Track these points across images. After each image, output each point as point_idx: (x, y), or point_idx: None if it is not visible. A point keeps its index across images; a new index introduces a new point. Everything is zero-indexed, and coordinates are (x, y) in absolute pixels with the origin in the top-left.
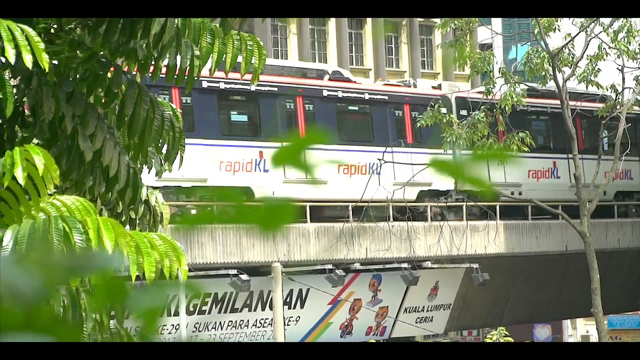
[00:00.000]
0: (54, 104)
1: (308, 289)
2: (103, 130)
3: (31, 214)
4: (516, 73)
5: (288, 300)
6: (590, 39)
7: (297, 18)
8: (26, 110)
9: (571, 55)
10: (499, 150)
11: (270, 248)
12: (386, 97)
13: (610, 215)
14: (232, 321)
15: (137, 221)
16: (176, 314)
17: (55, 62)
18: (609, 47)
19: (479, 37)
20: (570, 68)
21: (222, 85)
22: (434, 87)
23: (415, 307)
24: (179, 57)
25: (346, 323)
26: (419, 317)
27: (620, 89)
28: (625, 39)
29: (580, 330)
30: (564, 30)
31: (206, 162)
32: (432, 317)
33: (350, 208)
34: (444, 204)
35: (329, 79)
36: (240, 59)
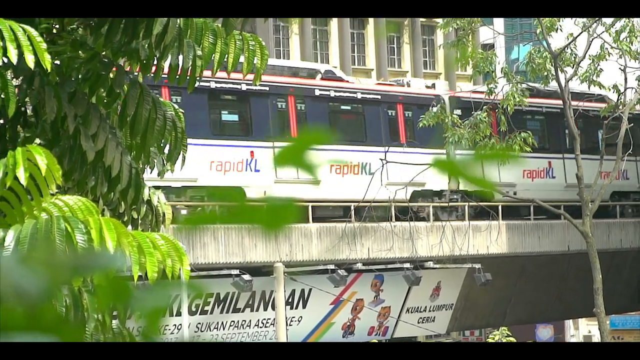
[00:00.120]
0: (56, 104)
1: (310, 289)
2: (105, 130)
3: (33, 214)
4: (518, 73)
5: (290, 300)
6: (592, 39)
7: (299, 18)
8: (28, 111)
9: (573, 55)
10: (501, 150)
11: (273, 248)
12: (379, 97)
13: (606, 215)
14: (234, 321)
15: (140, 221)
16: (178, 314)
17: (58, 62)
18: (611, 47)
19: (481, 37)
20: (572, 68)
21: (213, 85)
22: (427, 87)
23: (418, 307)
24: (181, 57)
25: (348, 323)
26: (421, 318)
27: (622, 89)
28: (628, 39)
29: (582, 330)
30: (566, 30)
31: (196, 162)
32: (434, 318)
33: (352, 208)
34: (446, 204)
35: (322, 78)
36: (242, 59)
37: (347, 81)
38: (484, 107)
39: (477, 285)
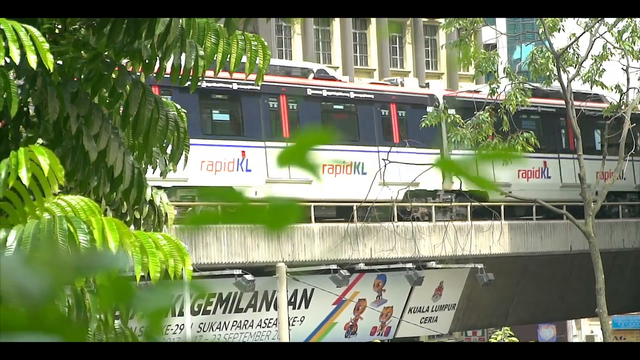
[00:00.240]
0: (59, 104)
1: (313, 289)
2: (107, 130)
3: (36, 214)
4: (520, 73)
5: (293, 300)
6: (594, 39)
7: (301, 18)
8: (31, 111)
9: (576, 55)
10: (504, 150)
11: (275, 248)
12: (372, 96)
13: (602, 215)
14: (236, 321)
15: (142, 221)
16: (181, 314)
17: (60, 62)
18: (614, 47)
19: (484, 37)
20: (574, 68)
21: (204, 84)
22: (421, 86)
23: (420, 307)
24: (183, 57)
25: (351, 323)
26: (423, 317)
27: (624, 89)
28: (630, 39)
29: (584, 330)
30: (569, 30)
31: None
32: (436, 317)
33: (355, 208)
34: (449, 205)
35: (314, 78)
36: (244, 59)
37: (340, 80)
38: (487, 107)
39: (480, 285)
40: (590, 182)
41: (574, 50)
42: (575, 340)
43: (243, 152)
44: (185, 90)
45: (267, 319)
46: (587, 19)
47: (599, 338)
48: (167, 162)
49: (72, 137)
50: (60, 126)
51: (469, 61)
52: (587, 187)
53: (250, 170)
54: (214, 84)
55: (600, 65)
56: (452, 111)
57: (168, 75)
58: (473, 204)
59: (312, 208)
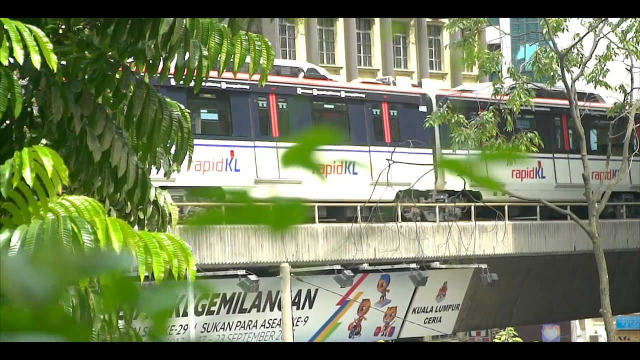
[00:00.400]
0: (63, 105)
1: (316, 290)
2: (111, 130)
3: (39, 214)
4: (524, 73)
5: (296, 300)
6: (599, 39)
7: (305, 18)
8: (34, 111)
9: (580, 55)
10: (508, 150)
11: (279, 248)
12: (363, 95)
13: (600, 215)
14: (240, 322)
15: (146, 221)
16: (185, 314)
17: (64, 62)
18: (618, 47)
19: (487, 37)
20: (578, 68)
21: (192, 83)
22: (414, 86)
23: (424, 308)
24: (187, 57)
25: (355, 323)
26: (427, 318)
27: (629, 89)
28: (634, 39)
29: (588, 330)
30: (573, 30)
31: None
32: (440, 318)
33: (359, 209)
34: (452, 205)
35: (304, 77)
36: (248, 59)
37: (331, 79)
38: (490, 107)
39: (484, 286)
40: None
41: (578, 50)
42: (579, 340)
43: (232, 152)
44: (173, 89)
45: (271, 319)
46: (591, 19)
47: (603, 338)
48: (171, 163)
49: (75, 138)
50: (64, 126)
51: (473, 61)
52: (584, 188)
53: (239, 170)
54: (203, 83)
55: (604, 65)
56: (442, 110)
57: (172, 76)
58: (477, 204)
59: (316, 208)
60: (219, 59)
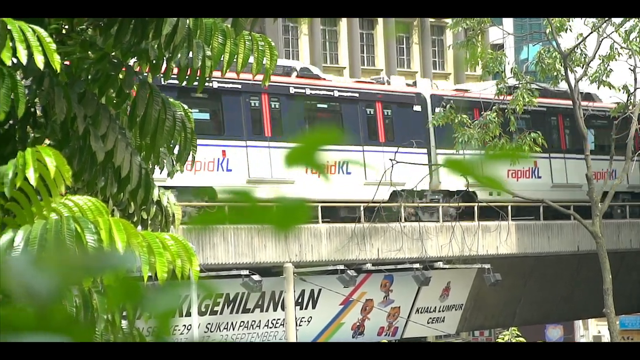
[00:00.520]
0: (66, 105)
1: (320, 290)
2: (115, 130)
3: (43, 214)
4: (528, 73)
5: (300, 300)
6: (602, 39)
7: (308, 18)
8: (38, 111)
9: (583, 55)
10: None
11: (282, 248)
12: (357, 95)
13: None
14: (244, 322)
15: (149, 222)
16: (188, 314)
17: (67, 62)
18: (621, 47)
19: (491, 37)
20: (582, 68)
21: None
22: (408, 85)
23: (427, 308)
24: (190, 57)
25: (358, 323)
26: (430, 318)
27: (632, 89)
28: (637, 38)
29: (592, 330)
30: (576, 30)
31: None
32: (443, 318)
33: (362, 209)
34: (456, 205)
35: (297, 76)
36: (251, 59)
37: (324, 79)
38: (494, 107)
39: (487, 286)
40: (581, 182)
41: (581, 50)
42: (583, 340)
43: (224, 151)
44: (163, 88)
45: (274, 320)
46: (594, 19)
47: (606, 338)
48: (175, 163)
49: (79, 138)
50: (68, 126)
51: (476, 61)
52: (587, 188)
53: (230, 170)
54: (194, 83)
55: (608, 65)
56: (438, 109)
57: (175, 76)
58: (477, 204)
59: (320, 208)
60: (222, 59)
